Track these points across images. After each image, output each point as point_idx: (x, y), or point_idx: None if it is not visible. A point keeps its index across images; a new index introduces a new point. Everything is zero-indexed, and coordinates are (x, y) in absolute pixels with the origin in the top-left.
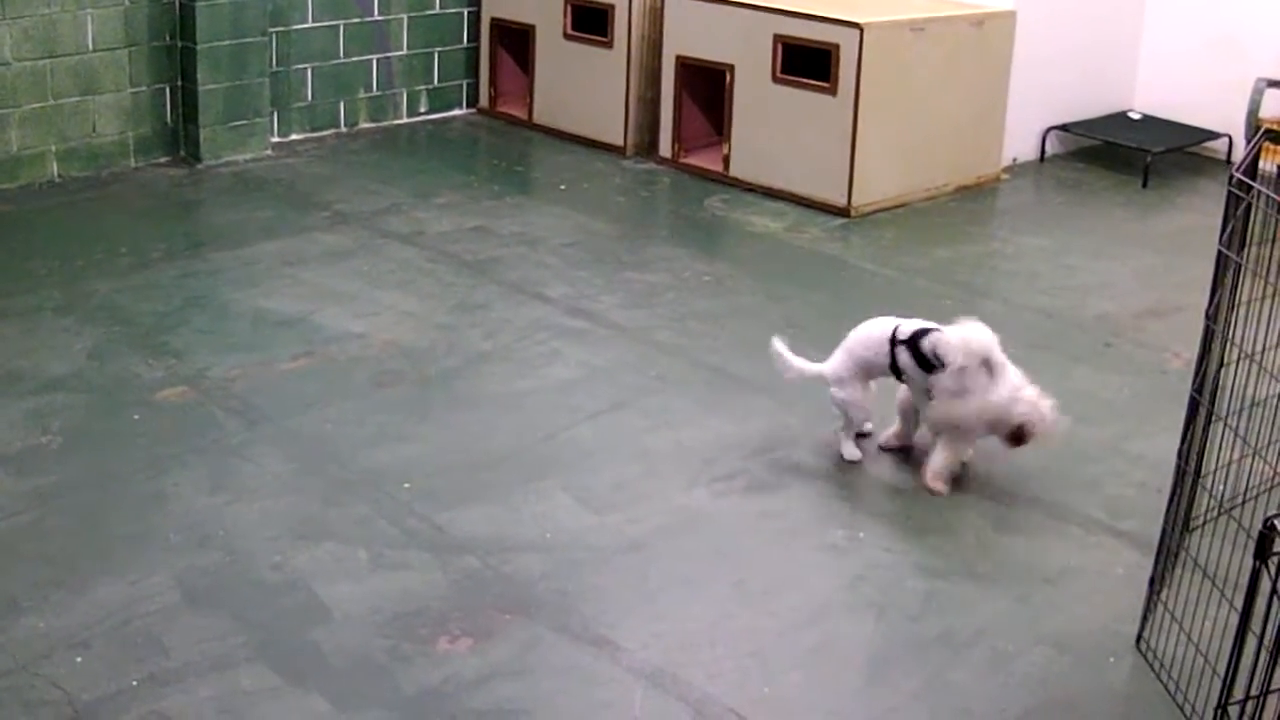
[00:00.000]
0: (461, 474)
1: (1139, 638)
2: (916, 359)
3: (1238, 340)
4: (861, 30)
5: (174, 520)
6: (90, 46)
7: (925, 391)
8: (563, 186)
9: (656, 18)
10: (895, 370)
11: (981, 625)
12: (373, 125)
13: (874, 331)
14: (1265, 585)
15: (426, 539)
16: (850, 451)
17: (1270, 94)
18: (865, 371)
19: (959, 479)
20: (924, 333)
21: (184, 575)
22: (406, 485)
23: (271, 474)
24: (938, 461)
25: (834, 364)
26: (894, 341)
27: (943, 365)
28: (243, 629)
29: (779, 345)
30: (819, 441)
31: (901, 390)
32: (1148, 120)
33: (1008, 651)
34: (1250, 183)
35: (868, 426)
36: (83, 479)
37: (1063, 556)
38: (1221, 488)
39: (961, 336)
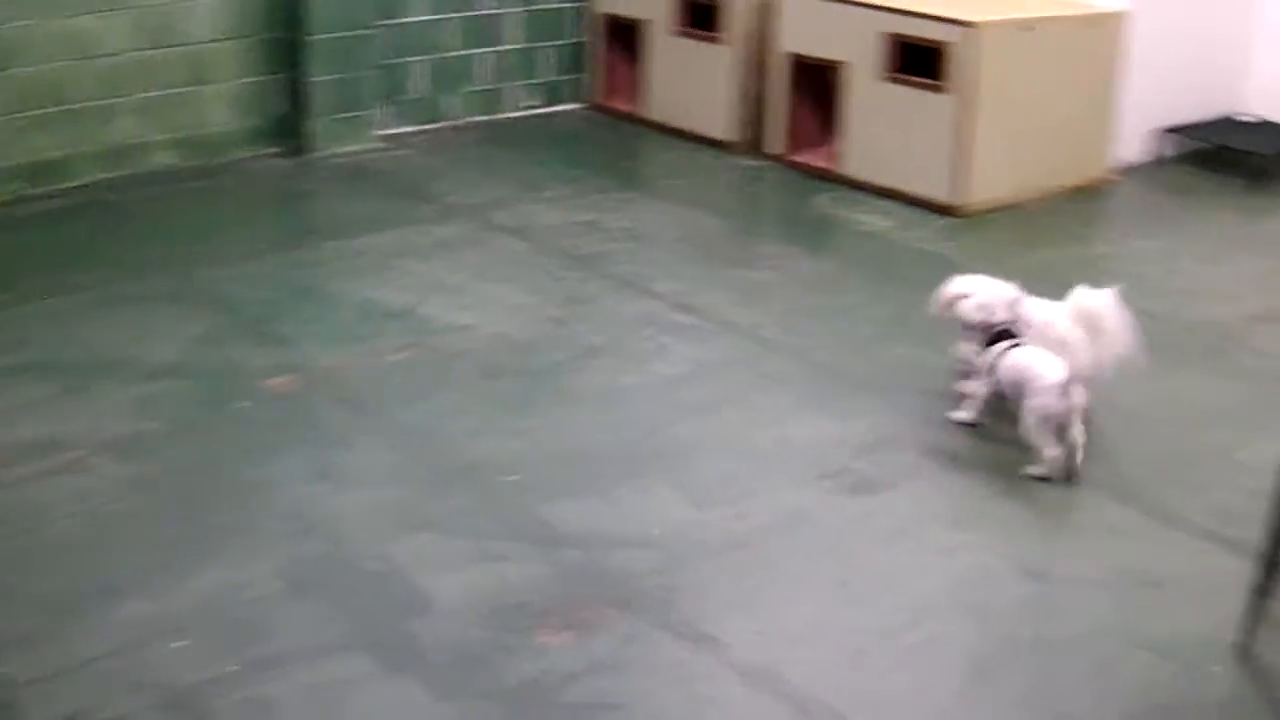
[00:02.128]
0: (566, 467)
1: (1242, 647)
2: None
3: None
4: (973, 29)
5: (277, 508)
6: (201, 37)
7: None
8: (671, 182)
9: (767, 14)
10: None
11: (1084, 630)
12: (482, 118)
13: None
14: None
15: (529, 532)
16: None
17: None
18: None
19: (1069, 479)
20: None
21: (286, 563)
22: (510, 478)
23: (375, 464)
24: None
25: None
26: None
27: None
28: (343, 617)
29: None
30: (925, 441)
31: None
32: (1261, 123)
33: (1109, 657)
34: None
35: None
36: (188, 466)
37: (1168, 562)
38: None
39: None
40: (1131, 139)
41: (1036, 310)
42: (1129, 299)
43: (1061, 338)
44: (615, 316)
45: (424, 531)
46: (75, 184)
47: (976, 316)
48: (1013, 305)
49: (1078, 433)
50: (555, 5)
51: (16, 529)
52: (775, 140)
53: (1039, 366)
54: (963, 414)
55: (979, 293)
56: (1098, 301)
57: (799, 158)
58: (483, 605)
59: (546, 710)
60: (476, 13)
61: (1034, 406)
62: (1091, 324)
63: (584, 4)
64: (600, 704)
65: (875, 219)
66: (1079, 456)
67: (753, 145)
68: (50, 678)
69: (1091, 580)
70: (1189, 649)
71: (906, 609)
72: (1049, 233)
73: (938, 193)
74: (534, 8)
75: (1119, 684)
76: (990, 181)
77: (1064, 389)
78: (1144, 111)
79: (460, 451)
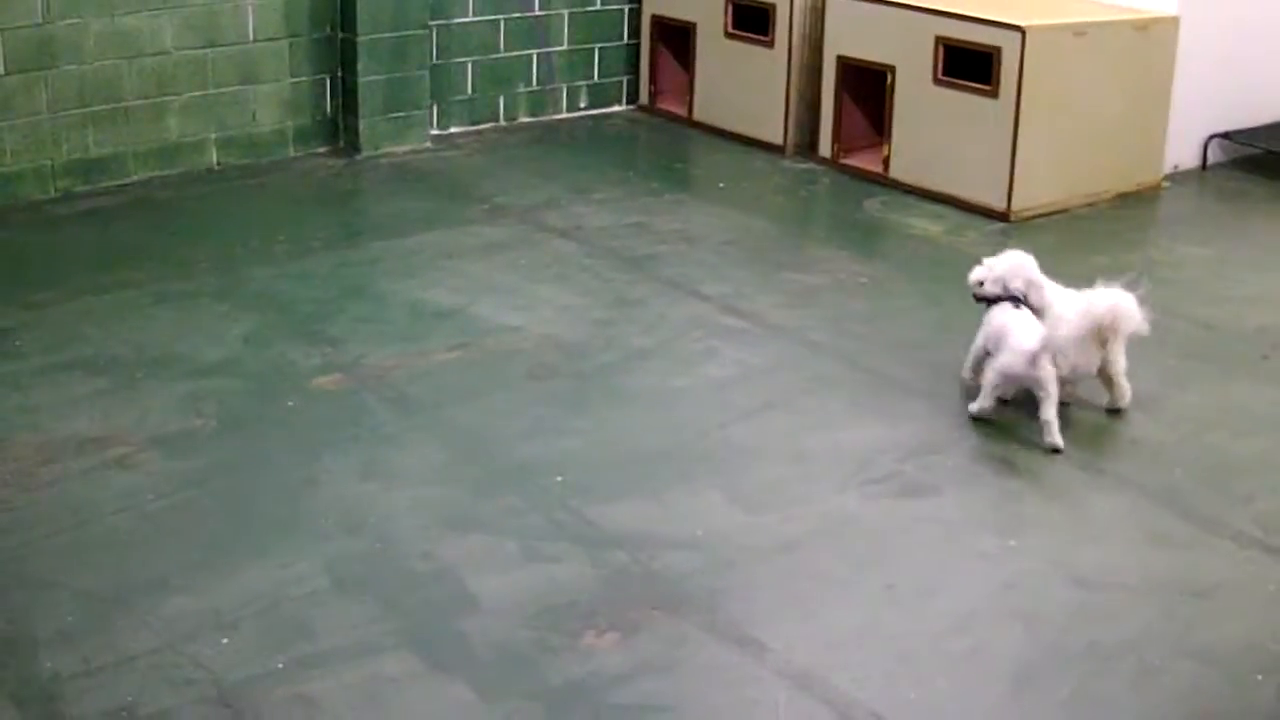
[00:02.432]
0: (614, 469)
1: None
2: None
3: None
4: (1024, 33)
5: (325, 506)
6: (251, 37)
7: None
8: (721, 185)
9: (818, 17)
10: None
11: (1130, 637)
12: (532, 120)
13: None
14: None
15: (577, 533)
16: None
17: None
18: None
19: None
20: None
21: (333, 561)
22: (559, 479)
23: (424, 463)
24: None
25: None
26: None
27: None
28: (390, 616)
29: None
30: (973, 446)
31: None
32: None
33: (1155, 665)
34: None
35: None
36: (235, 463)
37: (1214, 571)
38: None
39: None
40: (1183, 144)
41: (1056, 296)
42: (1180, 306)
43: (1060, 317)
44: (665, 319)
45: (472, 531)
46: (125, 182)
47: (992, 288)
48: (1030, 279)
49: (1048, 410)
50: (607, 8)
51: (65, 524)
52: (826, 144)
53: (1017, 330)
54: (975, 405)
55: (997, 264)
56: (1115, 299)
57: (850, 161)
58: (530, 606)
59: (593, 711)
60: (528, 14)
61: (999, 363)
62: (1109, 318)
63: (635, 6)
64: (647, 706)
65: (926, 223)
66: (1054, 433)
67: (803, 149)
68: (96, 672)
69: (1138, 588)
70: (1234, 658)
71: (952, 615)
72: (1100, 238)
73: (989, 197)
74: (586, 9)
75: (1164, 692)
76: (1041, 186)
77: (1033, 357)
78: (1195, 116)
79: (509, 452)
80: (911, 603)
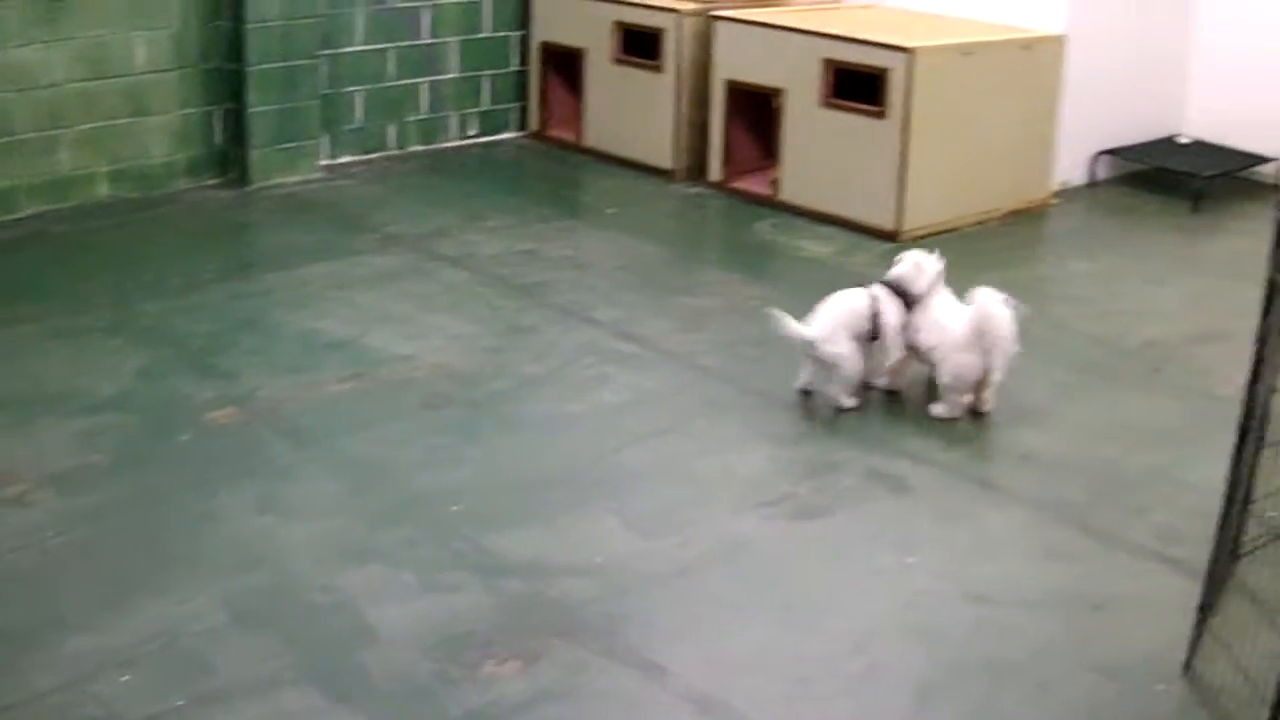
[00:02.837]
0: (509, 497)
1: (1187, 665)
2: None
3: None
4: (912, 54)
5: (222, 541)
6: (141, 68)
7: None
8: (612, 210)
9: (706, 42)
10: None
11: (1029, 652)
12: (423, 148)
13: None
14: None
15: (474, 562)
16: (849, 400)
17: None
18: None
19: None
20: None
21: (231, 596)
22: (454, 508)
23: (320, 495)
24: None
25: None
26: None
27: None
28: (290, 650)
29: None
30: (867, 465)
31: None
32: (1197, 145)
33: (1055, 678)
34: None
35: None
36: (131, 499)
37: (1111, 583)
38: (1271, 514)
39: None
40: (1071, 161)
41: (943, 305)
42: (1071, 321)
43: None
44: (557, 345)
45: (370, 563)
46: (17, 216)
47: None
48: (903, 274)
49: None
50: (496, 34)
51: None
52: (715, 168)
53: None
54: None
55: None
56: (991, 306)
57: (739, 185)
58: (429, 636)
59: None
60: (417, 42)
61: None
62: (983, 326)
63: (524, 33)
64: None
65: (816, 245)
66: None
67: (693, 173)
68: (1, 712)
69: (1036, 602)
70: (1135, 669)
71: (850, 634)
72: (990, 256)
73: (878, 218)
74: (475, 36)
75: (1065, 705)
76: (931, 206)
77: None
78: (1083, 134)
79: (405, 482)
80: (810, 624)
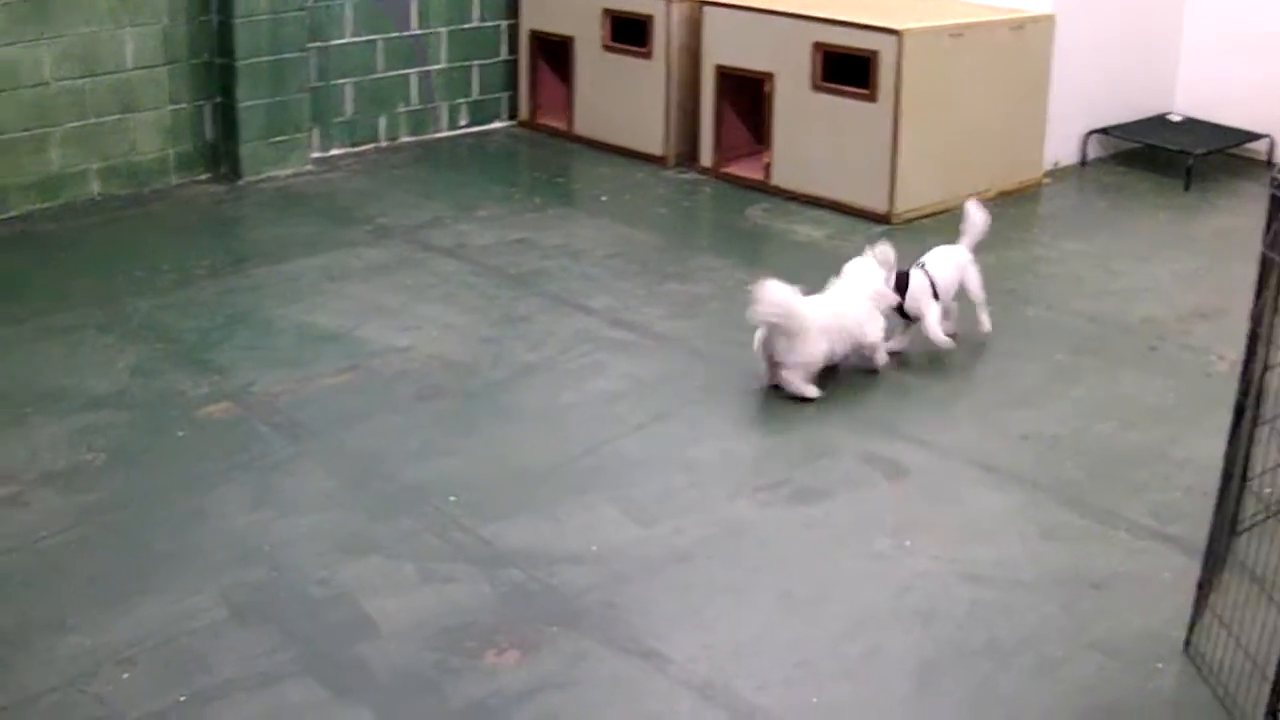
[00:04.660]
0: (507, 487)
1: (1187, 643)
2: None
3: None
4: (900, 36)
5: (219, 537)
6: (129, 64)
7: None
8: (604, 198)
9: (695, 27)
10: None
11: (1029, 632)
12: (413, 139)
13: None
14: None
15: (472, 552)
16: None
17: None
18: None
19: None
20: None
21: (229, 591)
22: (452, 499)
23: (316, 489)
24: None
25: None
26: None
27: None
28: (289, 644)
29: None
30: (862, 449)
31: None
32: (1188, 122)
33: (1055, 658)
34: None
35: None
36: (127, 496)
37: (1110, 562)
38: (1269, 491)
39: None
40: (1063, 141)
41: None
42: (1065, 300)
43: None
44: (552, 334)
45: (368, 555)
46: (7, 215)
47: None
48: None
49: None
50: (484, 24)
51: None
52: (707, 153)
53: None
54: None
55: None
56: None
57: (731, 170)
58: (429, 627)
59: None
60: (405, 34)
61: None
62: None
63: (513, 21)
64: None
65: (808, 229)
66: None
67: (685, 159)
68: None
69: (1035, 583)
70: (1134, 647)
71: (850, 617)
72: (983, 237)
73: (870, 201)
74: (463, 26)
75: (1066, 685)
76: (922, 188)
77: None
78: (1074, 113)
79: (401, 473)
80: (809, 608)
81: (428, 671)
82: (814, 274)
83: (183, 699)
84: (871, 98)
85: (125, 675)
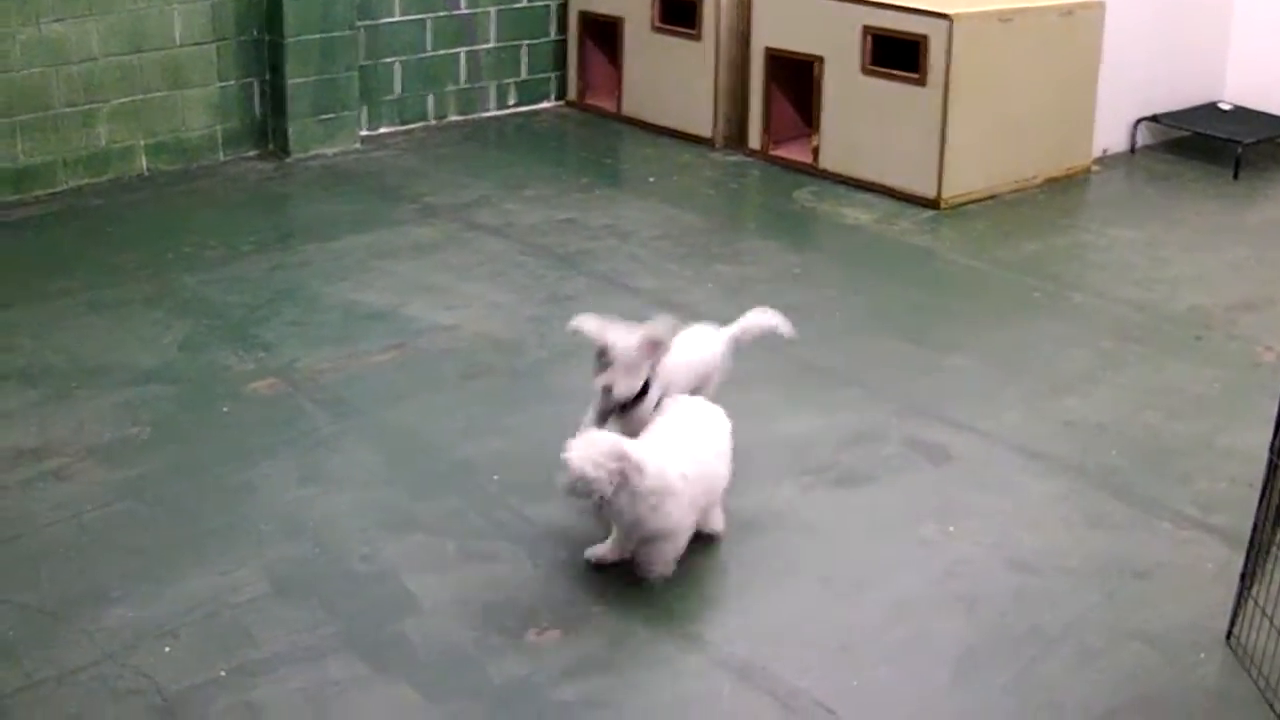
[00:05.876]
0: (551, 466)
1: (1229, 633)
2: None
3: None
4: (951, 21)
5: (263, 511)
6: (178, 41)
7: None
8: (652, 179)
9: (745, 9)
10: None
11: (1071, 620)
12: (461, 118)
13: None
14: None
15: (516, 531)
16: None
17: None
18: None
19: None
20: None
21: (273, 566)
22: (496, 477)
23: (361, 466)
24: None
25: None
26: None
27: None
28: (332, 620)
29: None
30: (909, 433)
31: None
32: (1238, 111)
33: (1097, 647)
34: None
35: None
36: (172, 470)
37: (1153, 552)
38: None
39: None
40: (1111, 128)
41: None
42: (1112, 288)
43: None
44: (598, 314)
45: (411, 532)
46: (56, 190)
47: None
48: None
49: None
50: (534, 4)
51: (3, 537)
52: (755, 136)
53: None
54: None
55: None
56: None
57: (779, 152)
58: (471, 605)
59: (536, 709)
60: (455, 13)
61: None
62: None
63: (562, 1)
64: (589, 702)
65: (856, 212)
66: None
67: (733, 141)
68: (39, 685)
69: (1078, 571)
70: (1176, 637)
71: (892, 602)
72: (1031, 224)
73: (919, 185)
74: (513, 6)
75: (1107, 674)
76: (971, 173)
77: None
78: (1123, 100)
79: (446, 451)
80: (851, 592)
81: (468, 649)
82: (861, 257)
83: (224, 673)
84: (921, 82)
85: (167, 648)
